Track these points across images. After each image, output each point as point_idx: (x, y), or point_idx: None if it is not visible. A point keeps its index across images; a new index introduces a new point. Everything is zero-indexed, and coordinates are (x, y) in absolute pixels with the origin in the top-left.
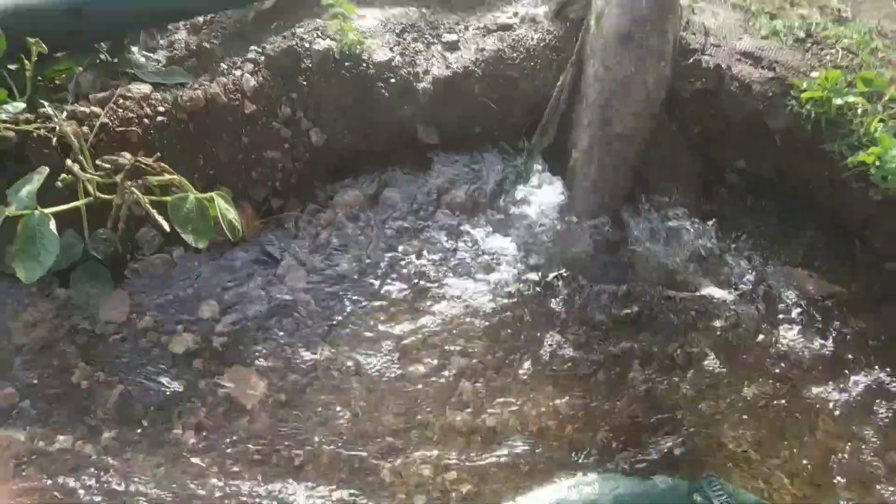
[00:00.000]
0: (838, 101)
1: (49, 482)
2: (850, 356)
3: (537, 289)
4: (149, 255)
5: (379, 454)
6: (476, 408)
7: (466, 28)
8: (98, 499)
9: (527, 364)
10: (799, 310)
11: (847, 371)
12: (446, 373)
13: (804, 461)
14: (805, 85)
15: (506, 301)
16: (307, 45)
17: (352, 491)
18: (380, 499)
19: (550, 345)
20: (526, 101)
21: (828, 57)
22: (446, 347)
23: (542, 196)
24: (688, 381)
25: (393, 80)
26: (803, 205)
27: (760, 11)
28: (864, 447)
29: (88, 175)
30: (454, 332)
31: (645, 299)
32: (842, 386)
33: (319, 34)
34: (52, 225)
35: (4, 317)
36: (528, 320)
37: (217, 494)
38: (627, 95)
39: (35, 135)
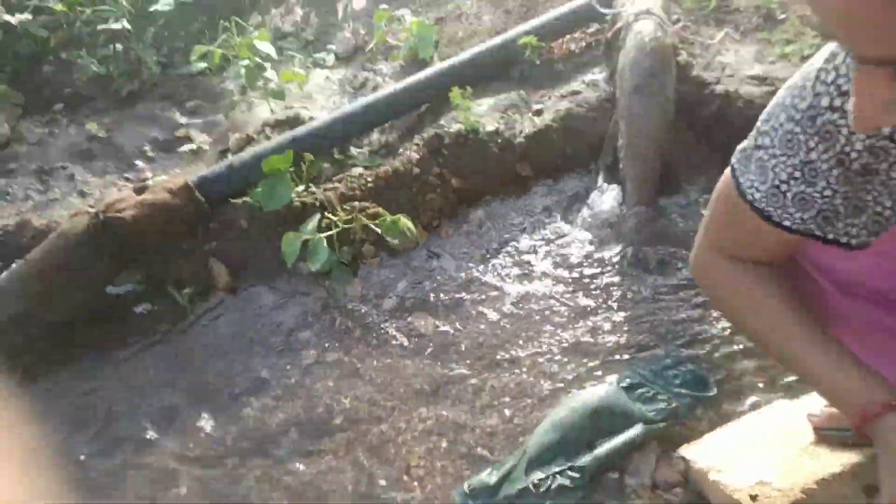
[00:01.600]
0: None
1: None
2: None
3: (604, 253)
4: (369, 260)
5: (502, 358)
6: (561, 327)
7: (548, 97)
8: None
9: (593, 302)
10: None
11: None
12: (542, 306)
13: None
14: None
15: (581, 264)
16: (446, 128)
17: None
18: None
19: (609, 288)
20: (590, 139)
21: None
22: (542, 297)
23: (605, 198)
24: (704, 318)
25: (499, 140)
26: None
27: (779, 41)
28: None
29: (336, 218)
30: (549, 286)
31: (669, 255)
32: None
33: (453, 120)
34: (325, 243)
35: (305, 298)
36: (595, 275)
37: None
38: (641, 125)
39: (308, 202)
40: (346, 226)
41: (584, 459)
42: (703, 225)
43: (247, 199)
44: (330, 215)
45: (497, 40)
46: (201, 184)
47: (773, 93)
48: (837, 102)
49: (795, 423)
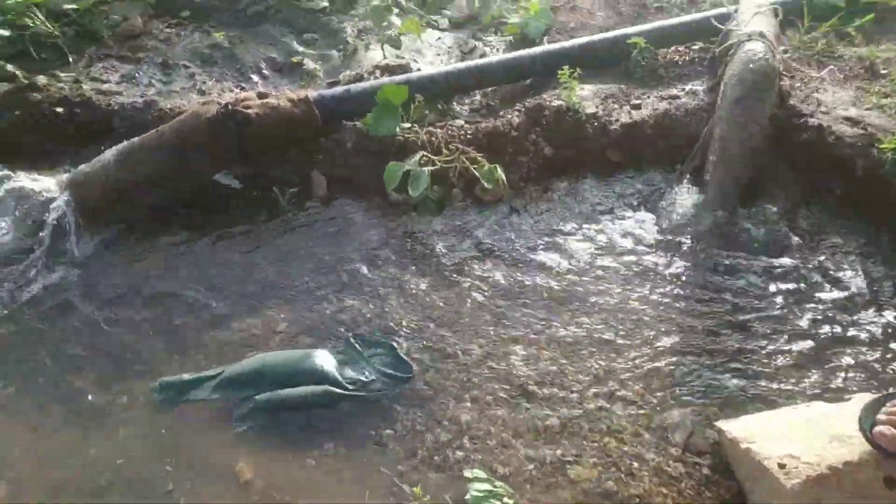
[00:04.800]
0: None
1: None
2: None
3: (675, 245)
4: (456, 203)
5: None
6: (623, 300)
7: (648, 97)
8: None
9: (659, 288)
10: (851, 277)
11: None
12: (613, 286)
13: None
14: (886, 140)
15: (655, 251)
16: (548, 102)
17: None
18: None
19: (674, 279)
20: (680, 141)
21: None
22: (612, 272)
23: (686, 197)
24: (761, 319)
25: (596, 123)
26: (874, 218)
27: (877, 92)
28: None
29: (436, 157)
30: (619, 264)
31: (740, 261)
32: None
33: (556, 97)
34: (426, 174)
35: (391, 223)
36: (665, 264)
37: None
38: (737, 135)
39: (411, 139)
40: (446, 165)
41: (262, 396)
42: None
43: (356, 123)
44: (429, 154)
45: (609, 35)
46: (320, 100)
47: (865, 135)
48: None
49: (830, 419)
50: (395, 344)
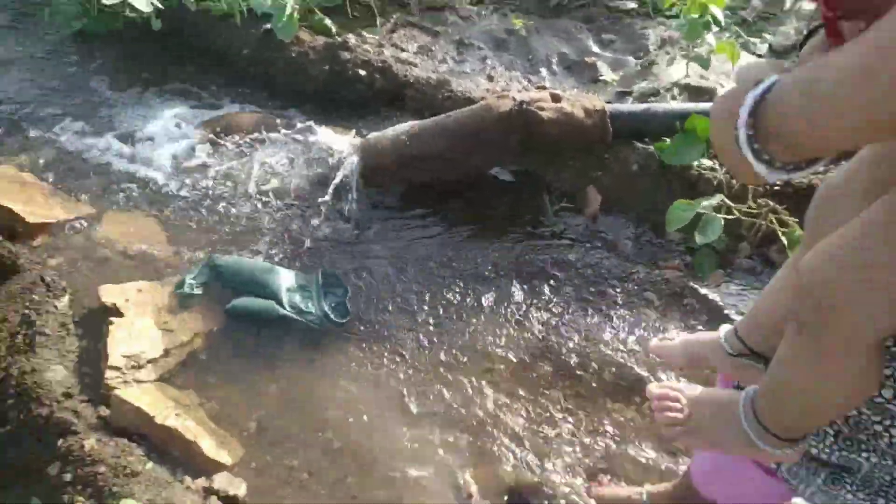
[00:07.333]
0: None
1: None
2: None
3: None
4: (741, 257)
5: None
6: None
7: None
8: None
9: None
10: None
11: None
12: None
13: None
14: None
15: None
16: None
17: None
18: None
19: None
20: None
21: None
22: None
23: None
24: None
25: None
26: None
27: None
28: None
29: (734, 206)
30: None
31: None
32: None
33: None
34: (720, 222)
35: (658, 259)
36: None
37: None
38: None
39: (706, 176)
40: (748, 218)
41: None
42: None
43: (647, 146)
44: (727, 200)
45: None
46: (615, 114)
47: None
48: None
49: None
50: (349, 290)
